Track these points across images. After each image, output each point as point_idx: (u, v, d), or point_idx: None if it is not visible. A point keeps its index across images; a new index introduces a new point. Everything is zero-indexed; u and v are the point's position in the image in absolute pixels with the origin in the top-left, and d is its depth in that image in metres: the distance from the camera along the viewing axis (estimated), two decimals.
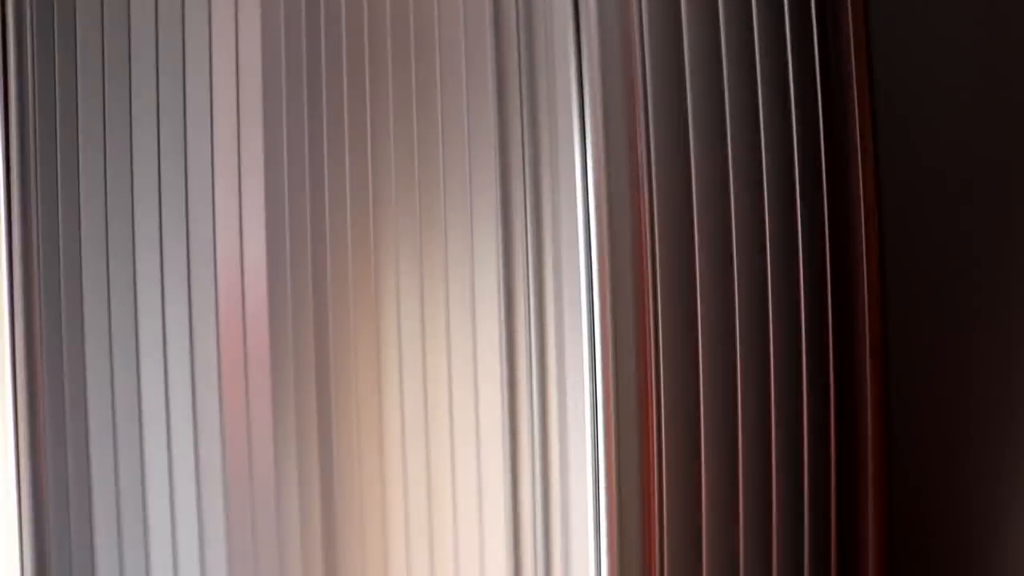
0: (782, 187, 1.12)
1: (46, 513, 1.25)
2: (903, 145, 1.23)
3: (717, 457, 1.04)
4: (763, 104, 1.10)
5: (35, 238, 1.25)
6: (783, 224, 1.12)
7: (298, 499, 1.13)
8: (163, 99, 1.20)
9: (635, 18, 1.01)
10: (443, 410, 1.07)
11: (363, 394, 1.11)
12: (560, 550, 1.02)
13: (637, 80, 1.01)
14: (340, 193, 1.12)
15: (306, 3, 1.12)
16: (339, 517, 1.12)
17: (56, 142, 1.25)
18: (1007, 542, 1.13)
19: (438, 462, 1.07)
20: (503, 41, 1.03)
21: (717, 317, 1.06)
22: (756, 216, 1.09)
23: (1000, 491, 1.14)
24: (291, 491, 1.13)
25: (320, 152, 1.12)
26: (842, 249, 1.18)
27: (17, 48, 1.24)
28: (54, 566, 1.25)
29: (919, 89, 1.23)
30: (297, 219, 1.13)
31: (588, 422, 0.98)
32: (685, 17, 1.05)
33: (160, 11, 1.19)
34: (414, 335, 1.08)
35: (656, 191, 1.01)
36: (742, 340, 1.07)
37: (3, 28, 1.24)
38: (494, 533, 1.03)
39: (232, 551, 1.16)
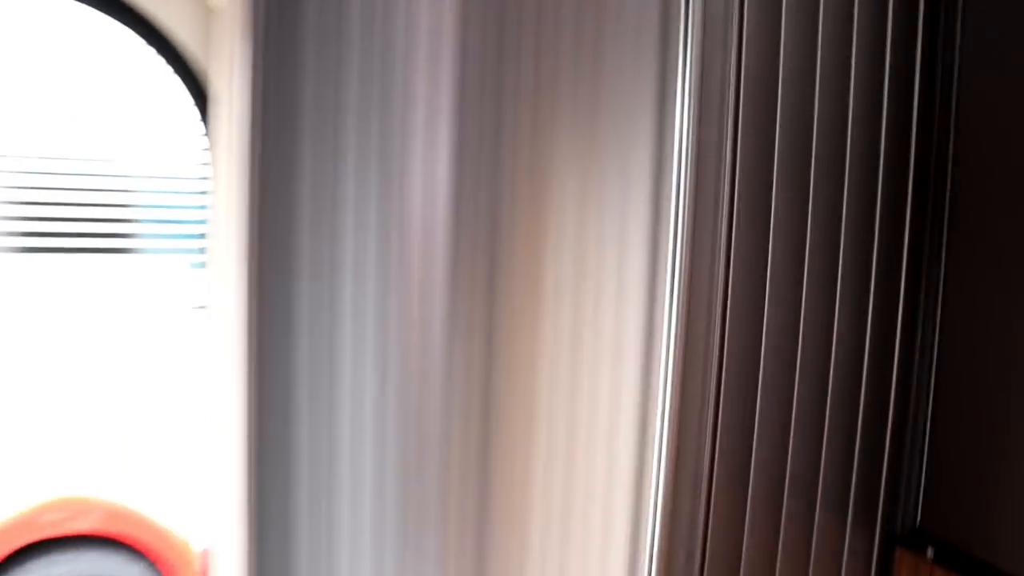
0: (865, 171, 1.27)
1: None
2: (979, 154, 1.29)
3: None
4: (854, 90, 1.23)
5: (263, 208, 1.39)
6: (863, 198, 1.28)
7: (465, 348, 1.28)
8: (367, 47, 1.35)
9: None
10: (592, 271, 1.24)
11: (527, 261, 1.25)
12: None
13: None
14: (523, 98, 1.25)
15: None
16: (498, 365, 1.27)
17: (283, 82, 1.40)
18: None
19: (582, 315, 1.24)
20: None
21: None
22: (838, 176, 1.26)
23: None
24: (459, 341, 1.28)
25: (509, 51, 1.27)
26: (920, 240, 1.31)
27: (264, 19, 1.40)
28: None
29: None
30: (488, 111, 1.26)
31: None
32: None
33: None
34: (572, 207, 1.23)
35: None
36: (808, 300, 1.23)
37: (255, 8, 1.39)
38: (628, 380, 1.22)
39: (403, 395, 1.31)
